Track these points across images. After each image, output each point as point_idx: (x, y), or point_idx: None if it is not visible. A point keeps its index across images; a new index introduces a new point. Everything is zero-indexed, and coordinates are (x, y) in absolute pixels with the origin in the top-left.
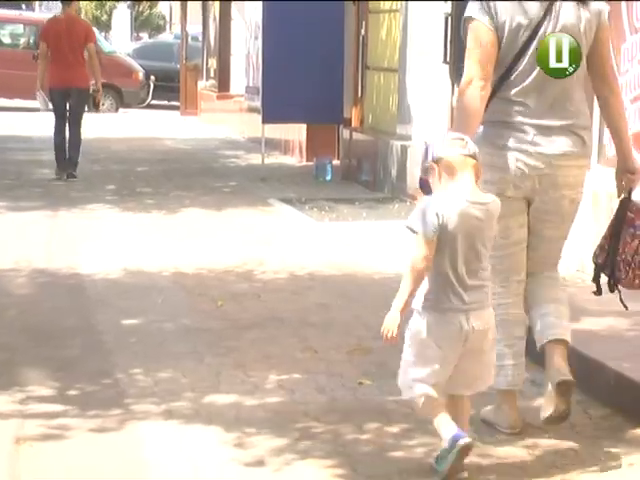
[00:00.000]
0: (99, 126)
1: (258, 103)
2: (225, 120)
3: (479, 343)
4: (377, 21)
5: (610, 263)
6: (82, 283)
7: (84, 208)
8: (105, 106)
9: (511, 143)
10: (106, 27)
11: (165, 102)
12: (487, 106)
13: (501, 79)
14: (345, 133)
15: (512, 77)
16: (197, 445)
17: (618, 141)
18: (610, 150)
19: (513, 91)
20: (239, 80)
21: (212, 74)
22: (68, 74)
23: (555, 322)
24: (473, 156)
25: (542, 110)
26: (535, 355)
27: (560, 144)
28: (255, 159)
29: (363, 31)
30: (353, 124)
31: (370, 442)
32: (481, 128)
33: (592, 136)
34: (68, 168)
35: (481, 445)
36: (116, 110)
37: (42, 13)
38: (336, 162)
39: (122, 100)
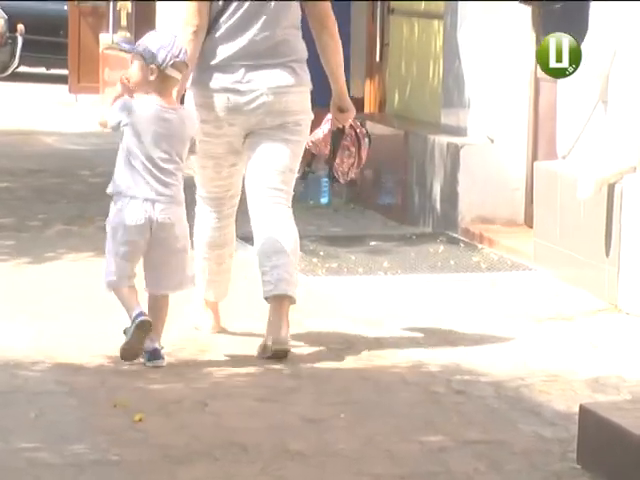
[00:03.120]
0: None
1: None
2: None
3: (164, 234)
4: None
5: (329, 170)
6: None
7: None
8: None
9: (223, 84)
10: None
11: (42, 70)
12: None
13: (211, 26)
14: None
15: (220, 23)
16: None
17: (334, 81)
18: None
19: (222, 35)
20: None
21: (124, 22)
22: None
23: (284, 276)
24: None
25: (252, 50)
26: None
27: (273, 78)
28: None
29: None
30: (367, 108)
31: None
32: (196, 71)
33: (305, 68)
34: None
35: None
36: None
37: None
38: None
39: None
